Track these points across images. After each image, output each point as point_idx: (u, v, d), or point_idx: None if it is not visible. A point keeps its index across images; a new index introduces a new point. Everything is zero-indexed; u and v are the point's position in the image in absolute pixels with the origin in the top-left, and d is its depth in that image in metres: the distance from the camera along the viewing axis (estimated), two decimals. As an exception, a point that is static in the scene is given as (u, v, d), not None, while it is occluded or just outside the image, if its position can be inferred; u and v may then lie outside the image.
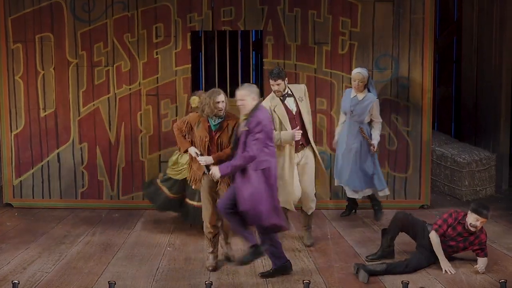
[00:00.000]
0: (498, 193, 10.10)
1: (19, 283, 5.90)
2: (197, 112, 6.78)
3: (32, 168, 9.17)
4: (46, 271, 6.66)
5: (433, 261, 6.77)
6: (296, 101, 7.26)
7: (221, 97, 6.53)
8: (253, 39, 10.48)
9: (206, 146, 6.59)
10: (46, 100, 9.10)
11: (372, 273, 6.45)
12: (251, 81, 9.67)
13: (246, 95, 6.26)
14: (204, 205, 6.76)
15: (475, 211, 6.52)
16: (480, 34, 10.85)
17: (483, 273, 6.54)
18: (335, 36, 9.02)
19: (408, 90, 9.07)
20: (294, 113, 7.23)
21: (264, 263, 6.92)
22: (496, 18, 10.35)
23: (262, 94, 9.10)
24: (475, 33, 10.97)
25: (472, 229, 6.55)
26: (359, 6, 8.98)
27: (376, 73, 9.04)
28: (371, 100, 7.93)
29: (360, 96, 7.93)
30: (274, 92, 7.28)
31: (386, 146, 9.12)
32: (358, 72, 7.99)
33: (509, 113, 10.50)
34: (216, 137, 6.57)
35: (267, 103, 7.14)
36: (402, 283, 5.84)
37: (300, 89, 7.37)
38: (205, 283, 5.89)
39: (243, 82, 9.34)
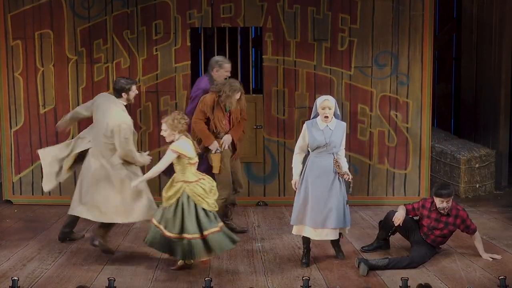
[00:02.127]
0: (497, 189, 10.10)
1: (18, 280, 5.91)
2: (212, 92, 7.56)
3: (32, 165, 9.18)
4: (46, 267, 6.66)
5: (434, 254, 6.88)
6: None
7: (239, 95, 7.48)
8: (253, 36, 10.48)
9: (223, 123, 7.57)
10: (46, 96, 9.09)
11: (373, 268, 6.47)
12: (251, 78, 9.67)
13: None
14: (226, 180, 7.59)
15: (435, 194, 6.76)
16: (479, 31, 10.84)
17: (494, 258, 6.85)
18: (334, 33, 9.01)
19: (408, 86, 9.08)
20: None
21: (263, 259, 6.93)
22: (495, 15, 10.34)
23: (262, 91, 9.15)
24: (475, 30, 10.97)
25: (443, 211, 6.75)
26: (359, 3, 8.97)
27: (375, 69, 9.04)
28: (343, 126, 6.86)
29: (332, 125, 6.73)
30: (131, 99, 7.29)
31: (386, 142, 9.13)
32: (326, 99, 6.71)
33: (508, 110, 10.50)
34: (229, 116, 7.63)
35: (126, 117, 7.10)
36: (401, 279, 5.84)
37: None
38: (205, 280, 5.89)
39: (242, 78, 9.37)
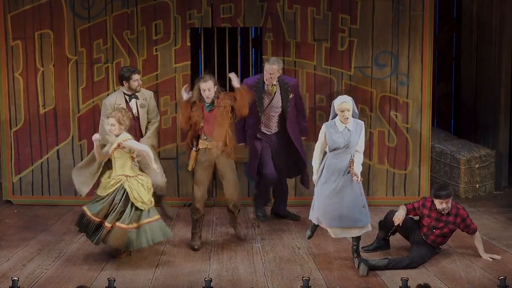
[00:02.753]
0: (497, 190, 10.10)
1: (18, 280, 5.91)
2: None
3: (32, 165, 9.17)
4: (46, 267, 6.67)
5: (434, 254, 6.89)
6: (137, 104, 7.64)
7: (206, 85, 6.97)
8: (253, 36, 10.48)
9: (200, 125, 7.09)
10: (46, 97, 9.09)
11: (373, 268, 6.48)
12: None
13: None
14: (197, 185, 7.20)
15: (434, 196, 6.79)
16: (479, 31, 10.85)
17: (494, 259, 6.85)
18: (334, 33, 9.01)
19: (408, 87, 9.08)
20: (134, 116, 7.52)
21: (263, 259, 6.93)
22: (495, 15, 10.34)
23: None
24: (475, 30, 10.97)
25: (443, 212, 6.78)
26: (359, 3, 8.97)
27: (375, 70, 9.04)
28: (361, 125, 6.76)
29: (350, 126, 6.67)
30: (134, 88, 7.59)
31: (386, 143, 9.13)
32: (345, 102, 6.63)
33: (508, 110, 10.51)
34: (212, 116, 7.06)
35: (112, 98, 7.61)
36: (401, 279, 5.84)
37: (142, 93, 7.70)
38: (205, 280, 5.89)
39: (242, 79, 9.36)
